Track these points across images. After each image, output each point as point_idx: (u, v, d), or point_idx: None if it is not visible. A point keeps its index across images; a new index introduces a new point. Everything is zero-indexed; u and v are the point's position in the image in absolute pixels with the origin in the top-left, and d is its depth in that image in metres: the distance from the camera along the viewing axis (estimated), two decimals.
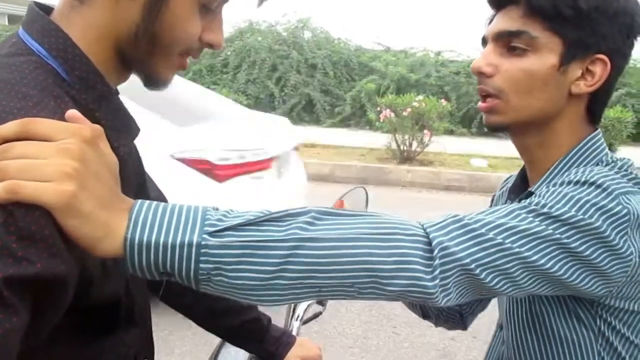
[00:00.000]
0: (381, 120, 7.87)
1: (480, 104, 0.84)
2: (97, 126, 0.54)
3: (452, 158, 8.09)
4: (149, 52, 0.63)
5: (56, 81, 0.59)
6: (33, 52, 0.60)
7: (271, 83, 11.91)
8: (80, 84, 0.61)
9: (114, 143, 0.62)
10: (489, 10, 0.85)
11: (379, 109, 8.28)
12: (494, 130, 0.84)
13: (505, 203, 0.97)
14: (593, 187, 0.71)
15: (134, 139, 0.71)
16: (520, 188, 0.92)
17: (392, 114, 7.55)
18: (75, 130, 0.51)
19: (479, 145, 8.82)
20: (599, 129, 0.85)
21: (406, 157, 7.67)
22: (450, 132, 9.74)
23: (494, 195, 1.07)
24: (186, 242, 0.52)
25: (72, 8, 0.62)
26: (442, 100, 7.97)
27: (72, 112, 0.54)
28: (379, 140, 8.07)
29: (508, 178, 1.03)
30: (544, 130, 0.83)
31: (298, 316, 1.17)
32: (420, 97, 7.76)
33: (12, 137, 0.49)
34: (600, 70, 0.78)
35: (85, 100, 0.61)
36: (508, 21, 0.79)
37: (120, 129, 0.65)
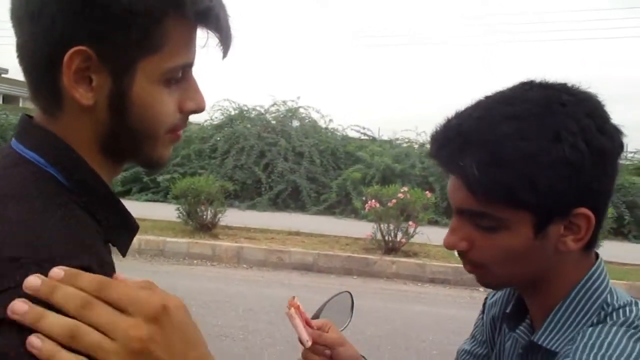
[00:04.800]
0: (367, 210, 7.91)
1: (465, 265, 0.80)
2: (177, 300, 0.53)
3: (437, 249, 8.06)
4: (133, 144, 0.64)
5: (56, 187, 0.59)
6: (30, 161, 0.60)
7: (258, 169, 12.06)
8: (80, 188, 0.61)
9: (114, 244, 0.63)
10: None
11: (364, 198, 8.35)
12: (491, 289, 0.82)
13: (500, 327, 0.94)
14: None
15: (133, 237, 0.70)
16: (517, 317, 0.87)
17: (378, 204, 7.60)
18: (146, 307, 0.50)
19: None
20: (600, 259, 0.79)
21: (391, 248, 7.64)
22: (435, 223, 9.79)
23: (485, 300, 1.02)
24: None
25: (49, 123, 0.63)
26: (427, 193, 8.08)
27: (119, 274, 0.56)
28: (363, 229, 8.06)
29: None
30: (539, 282, 0.78)
31: None
32: (406, 189, 7.87)
33: (88, 290, 0.49)
34: (584, 223, 0.72)
35: (86, 203, 0.61)
36: (463, 197, 0.73)
37: (120, 227, 0.65)
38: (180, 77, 0.64)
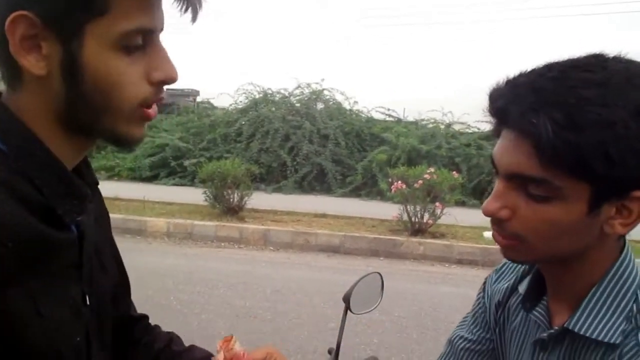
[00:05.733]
0: (393, 191, 7.86)
1: (496, 236, 0.75)
2: None
3: (464, 230, 7.99)
4: (93, 115, 0.62)
5: None
6: None
7: (284, 152, 12.06)
8: (17, 152, 0.60)
9: (58, 210, 0.61)
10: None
11: (390, 180, 8.29)
12: (517, 264, 0.78)
13: (504, 307, 0.90)
14: None
15: (83, 205, 0.67)
16: (533, 297, 0.84)
17: (404, 186, 7.55)
18: None
19: None
20: (627, 244, 0.76)
21: (418, 229, 7.59)
22: (462, 204, 9.68)
23: (485, 281, 0.97)
24: None
25: (9, 96, 0.62)
26: (454, 173, 7.97)
27: None
28: (389, 211, 8.02)
29: (503, 267, 0.94)
30: (573, 261, 0.75)
31: None
32: (432, 169, 7.78)
33: None
34: (637, 208, 0.68)
35: (22, 168, 0.60)
36: (521, 159, 0.68)
37: (65, 195, 0.63)
38: (142, 45, 0.61)
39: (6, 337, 0.53)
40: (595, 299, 0.74)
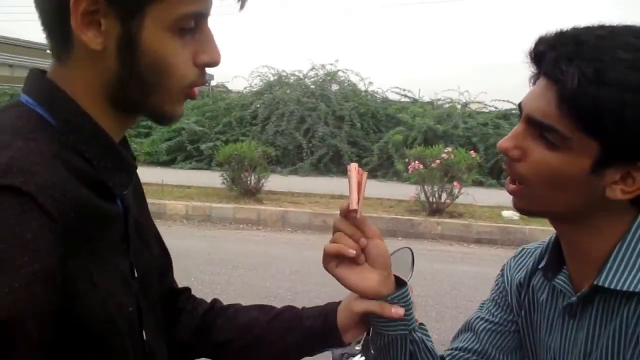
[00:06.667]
0: (410, 171, 7.84)
1: (507, 183, 0.79)
2: None
3: (483, 210, 7.95)
4: (143, 93, 0.63)
5: (38, 126, 0.60)
6: (22, 103, 0.63)
7: (299, 135, 12.05)
8: (66, 126, 0.62)
9: (109, 183, 0.64)
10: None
11: (407, 160, 8.25)
12: (523, 214, 0.79)
13: (528, 286, 0.91)
14: None
15: (131, 178, 0.70)
16: (553, 268, 0.85)
17: (421, 166, 7.51)
18: None
19: (509, 197, 8.64)
20: None
21: (435, 209, 7.57)
22: (480, 184, 9.62)
23: (503, 267, 0.99)
24: None
25: (55, 70, 0.64)
26: (472, 152, 7.91)
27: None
28: (406, 191, 8.00)
29: (520, 254, 0.96)
30: (581, 221, 0.76)
31: None
32: (449, 149, 7.73)
33: None
34: None
35: (72, 142, 0.61)
36: (543, 105, 0.71)
37: (114, 169, 0.65)
38: (193, 28, 0.63)
39: (66, 308, 0.55)
40: (621, 254, 0.74)
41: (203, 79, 0.66)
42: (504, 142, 0.76)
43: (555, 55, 0.70)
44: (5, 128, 0.59)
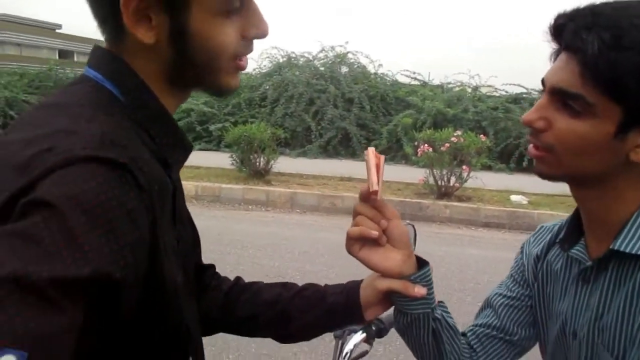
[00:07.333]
0: (419, 155, 7.82)
1: (530, 148, 0.81)
2: None
3: (491, 194, 7.94)
4: (198, 75, 0.67)
5: (111, 101, 0.63)
6: (90, 78, 0.65)
7: (308, 117, 12.04)
8: (134, 103, 0.65)
9: (169, 160, 0.67)
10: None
11: (416, 143, 8.23)
12: (545, 179, 0.81)
13: (544, 259, 0.93)
14: None
15: (187, 156, 0.73)
16: (571, 240, 0.87)
17: (430, 149, 7.50)
18: None
19: (518, 182, 8.64)
20: None
21: (444, 193, 7.57)
22: (489, 168, 9.59)
23: (523, 245, 1.02)
24: None
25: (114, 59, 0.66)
26: (481, 136, 7.88)
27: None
28: (415, 174, 8.00)
29: (539, 231, 1.00)
30: (603, 185, 0.78)
31: (345, 355, 1.14)
32: (459, 133, 7.70)
33: None
34: None
35: (139, 119, 0.65)
36: (566, 76, 0.74)
37: (174, 146, 0.69)
38: (239, 6, 0.65)
39: (156, 272, 0.59)
40: (639, 220, 0.77)
41: (249, 50, 0.69)
42: (528, 115, 0.78)
43: (574, 26, 0.73)
44: (84, 101, 0.61)
